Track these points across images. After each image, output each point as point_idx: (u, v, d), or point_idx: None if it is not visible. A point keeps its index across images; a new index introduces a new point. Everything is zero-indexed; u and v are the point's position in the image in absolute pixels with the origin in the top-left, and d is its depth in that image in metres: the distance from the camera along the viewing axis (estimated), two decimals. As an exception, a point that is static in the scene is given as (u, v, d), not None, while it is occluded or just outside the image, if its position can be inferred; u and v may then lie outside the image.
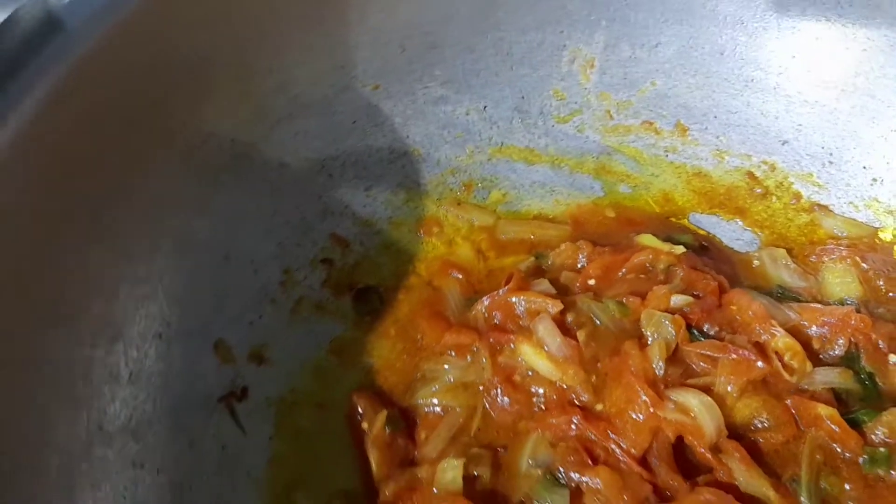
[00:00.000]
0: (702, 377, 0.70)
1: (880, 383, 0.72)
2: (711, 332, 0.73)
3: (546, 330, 0.71)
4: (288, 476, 0.72)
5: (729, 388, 0.69)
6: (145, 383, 0.70)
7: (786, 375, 0.69)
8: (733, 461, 0.65)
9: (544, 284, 0.77)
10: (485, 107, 0.87)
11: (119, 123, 0.68)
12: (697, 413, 0.66)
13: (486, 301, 0.75)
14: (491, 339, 0.72)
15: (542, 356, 0.70)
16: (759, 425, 0.68)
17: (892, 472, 0.67)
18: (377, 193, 0.85)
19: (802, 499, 0.65)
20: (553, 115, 0.88)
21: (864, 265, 0.78)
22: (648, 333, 0.72)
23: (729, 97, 0.86)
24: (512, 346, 0.71)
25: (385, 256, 0.84)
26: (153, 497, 0.67)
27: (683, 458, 0.69)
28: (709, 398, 0.67)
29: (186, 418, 0.71)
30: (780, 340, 0.70)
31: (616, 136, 0.89)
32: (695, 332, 0.73)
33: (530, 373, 0.70)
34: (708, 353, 0.70)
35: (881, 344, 0.73)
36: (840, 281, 0.78)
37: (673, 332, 0.71)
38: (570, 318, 0.72)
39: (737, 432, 0.68)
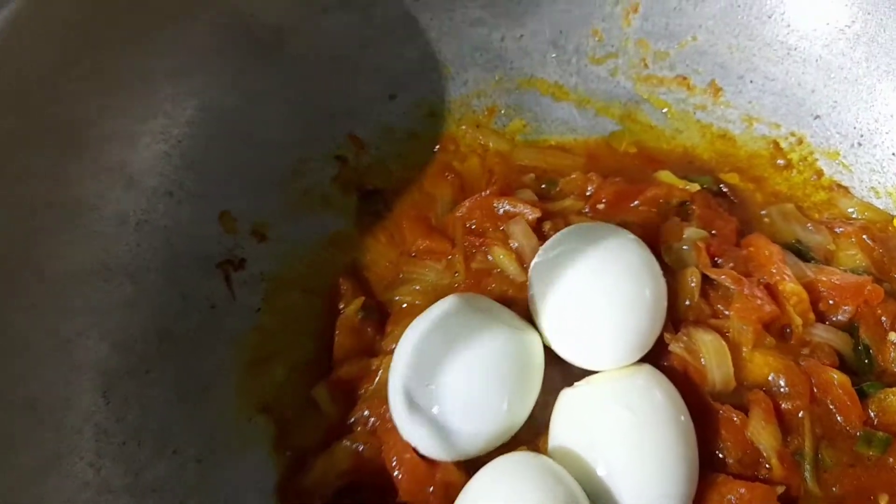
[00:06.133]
0: (719, 320, 0.69)
1: (875, 359, 0.70)
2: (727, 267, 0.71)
3: (520, 231, 0.72)
4: (267, 346, 0.76)
5: (741, 329, 0.67)
6: (150, 234, 0.75)
7: (795, 319, 0.68)
8: (757, 411, 0.64)
9: (527, 193, 0.78)
10: (521, 35, 0.88)
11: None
12: (705, 355, 0.66)
13: (468, 202, 0.77)
14: (466, 244, 0.74)
15: (511, 258, 0.71)
16: (777, 389, 0.66)
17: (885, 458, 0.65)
18: (401, 103, 0.87)
19: (806, 474, 0.64)
20: (588, 55, 0.88)
21: (870, 242, 0.75)
22: (668, 262, 0.71)
23: (769, 63, 0.84)
24: (486, 250, 0.73)
25: (397, 164, 0.86)
26: (140, 336, 0.72)
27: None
28: (721, 341, 0.66)
29: (183, 273, 0.76)
30: (789, 285, 0.69)
31: (648, 85, 0.88)
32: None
33: (497, 269, 0.72)
34: (726, 282, 0.69)
35: (884, 320, 0.71)
36: (847, 253, 0.76)
37: (694, 256, 0.71)
38: (547, 226, 0.73)
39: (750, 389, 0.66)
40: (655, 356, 0.67)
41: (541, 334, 0.67)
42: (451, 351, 0.62)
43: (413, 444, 0.63)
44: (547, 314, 0.66)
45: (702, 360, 0.66)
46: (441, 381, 0.61)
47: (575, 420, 0.63)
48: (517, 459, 0.60)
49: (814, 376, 0.66)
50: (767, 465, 0.63)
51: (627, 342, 0.64)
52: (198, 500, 0.68)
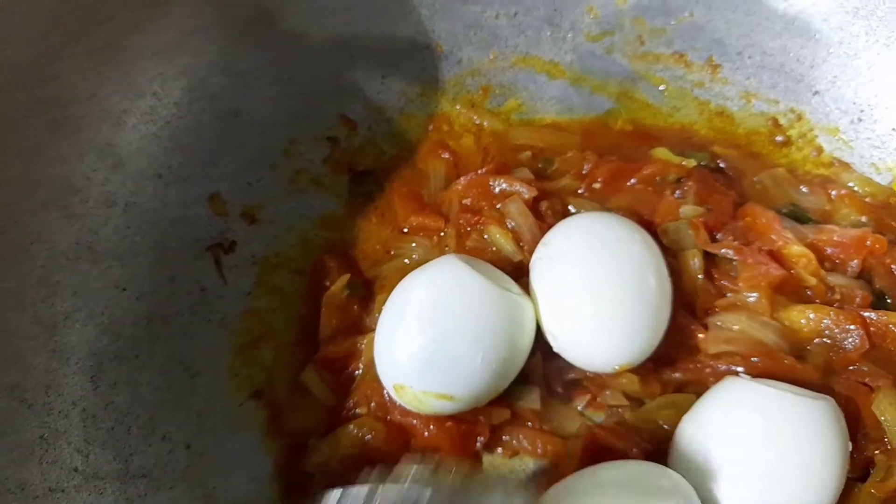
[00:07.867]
0: (728, 299, 0.67)
1: (893, 307, 0.68)
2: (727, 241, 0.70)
3: (517, 210, 0.70)
4: (258, 329, 0.75)
5: (750, 299, 0.66)
6: (138, 216, 0.74)
7: (808, 279, 0.66)
8: (885, 384, 0.61)
9: (524, 172, 0.76)
10: (515, 13, 0.86)
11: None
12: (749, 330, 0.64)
13: (463, 180, 0.75)
14: (461, 221, 0.72)
15: (508, 238, 0.70)
16: (829, 341, 0.64)
17: None
18: (393, 83, 0.85)
19: None
20: (584, 32, 0.86)
21: (867, 200, 0.74)
22: (666, 243, 0.69)
23: (767, 38, 0.82)
24: (481, 228, 0.71)
25: (389, 145, 0.85)
26: (129, 320, 0.71)
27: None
28: (746, 314, 0.65)
29: (172, 256, 0.75)
30: (793, 248, 0.67)
31: (644, 63, 0.86)
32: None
33: (493, 248, 0.70)
34: (728, 254, 0.68)
35: (894, 268, 0.69)
36: (843, 212, 0.74)
37: (692, 236, 0.69)
38: (544, 206, 0.72)
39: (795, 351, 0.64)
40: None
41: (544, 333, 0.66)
42: (439, 303, 0.62)
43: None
44: (549, 315, 0.65)
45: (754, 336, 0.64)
46: (426, 330, 0.61)
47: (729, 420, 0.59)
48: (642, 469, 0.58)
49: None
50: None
51: (635, 341, 0.63)
52: (187, 487, 0.67)
